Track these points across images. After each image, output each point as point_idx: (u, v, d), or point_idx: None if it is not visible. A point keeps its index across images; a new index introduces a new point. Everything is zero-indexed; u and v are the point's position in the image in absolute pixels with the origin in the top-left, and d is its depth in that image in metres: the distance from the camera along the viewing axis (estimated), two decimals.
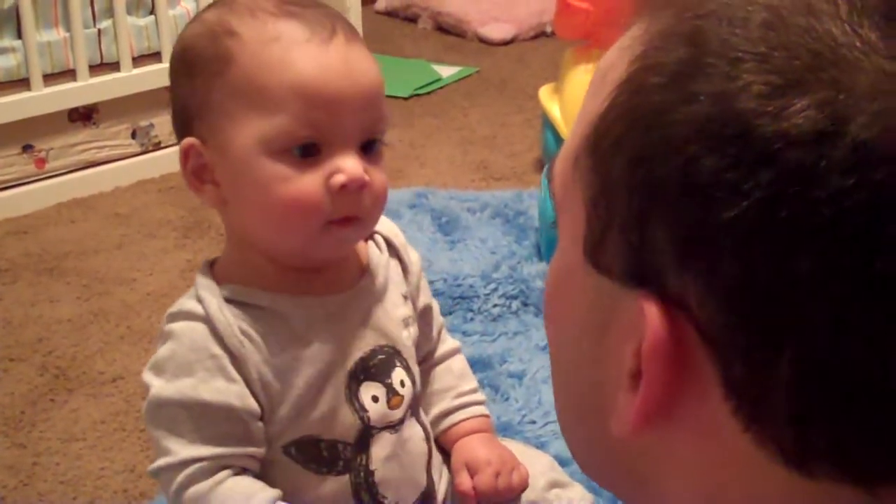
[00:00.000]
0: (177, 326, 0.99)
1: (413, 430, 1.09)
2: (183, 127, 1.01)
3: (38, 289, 2.12)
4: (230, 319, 0.98)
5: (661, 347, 0.44)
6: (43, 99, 2.44)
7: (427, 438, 1.11)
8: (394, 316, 1.08)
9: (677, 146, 0.42)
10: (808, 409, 0.42)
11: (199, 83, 0.98)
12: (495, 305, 1.96)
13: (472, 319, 1.94)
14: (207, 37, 0.98)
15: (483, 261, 2.06)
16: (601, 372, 0.49)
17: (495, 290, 1.98)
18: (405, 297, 1.11)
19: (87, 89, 2.51)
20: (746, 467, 0.45)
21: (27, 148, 2.47)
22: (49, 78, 2.45)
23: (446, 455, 1.16)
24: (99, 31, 2.52)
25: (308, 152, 0.95)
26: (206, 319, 0.98)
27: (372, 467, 1.04)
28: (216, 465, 0.97)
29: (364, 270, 1.07)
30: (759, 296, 0.41)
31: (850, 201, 0.39)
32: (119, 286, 2.13)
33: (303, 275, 1.02)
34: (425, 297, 1.16)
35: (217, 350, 0.97)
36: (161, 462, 0.98)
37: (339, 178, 0.95)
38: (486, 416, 1.19)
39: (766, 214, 0.40)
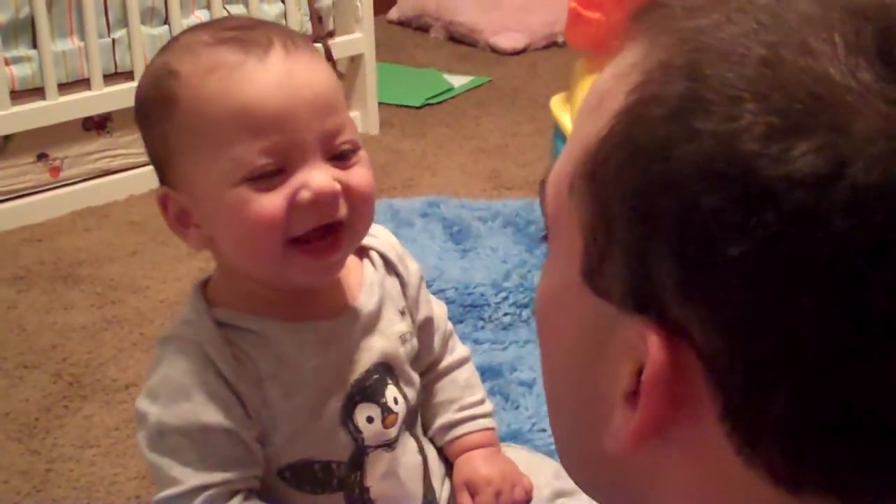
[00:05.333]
0: (169, 351, 0.98)
1: (407, 445, 1.07)
2: (159, 177, 1.00)
3: (52, 296, 2.13)
4: (222, 344, 0.97)
5: (663, 376, 0.45)
6: (58, 108, 2.46)
7: (421, 450, 1.10)
8: (390, 334, 1.06)
9: (679, 183, 0.43)
10: (802, 437, 0.43)
11: (157, 131, 0.97)
12: (506, 314, 1.97)
13: (482, 328, 1.95)
14: (153, 83, 0.97)
15: (494, 269, 2.07)
16: (596, 389, 0.50)
17: (506, 298, 1.99)
18: (402, 313, 1.09)
19: (101, 98, 2.53)
20: (737, 486, 0.46)
21: (42, 157, 2.49)
22: (64, 87, 2.47)
23: (449, 465, 1.15)
24: (113, 40, 2.54)
25: (271, 175, 0.92)
26: (199, 343, 0.96)
27: (367, 484, 1.04)
28: (226, 491, 0.96)
29: (357, 291, 1.05)
30: (760, 330, 0.42)
31: (850, 243, 0.40)
32: (133, 294, 2.14)
33: (293, 299, 1.00)
34: (425, 310, 1.13)
35: (211, 374, 0.96)
36: (169, 492, 0.96)
37: (305, 195, 0.92)
38: (491, 428, 1.16)
39: (767, 254, 0.41)
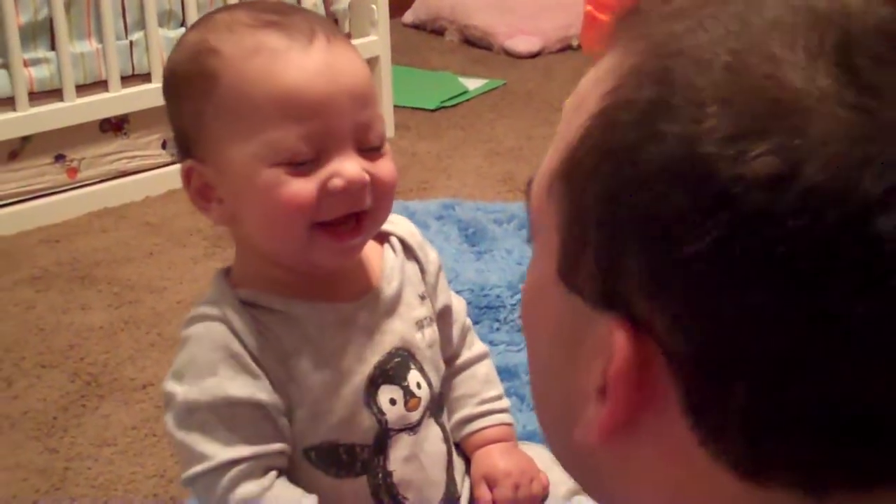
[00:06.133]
0: (194, 329, 0.99)
1: (431, 431, 1.08)
2: (183, 150, 1.01)
3: (69, 296, 2.14)
4: (247, 319, 0.98)
5: (628, 371, 0.46)
6: (75, 109, 2.47)
7: (445, 439, 1.11)
8: (408, 319, 1.07)
9: (644, 183, 0.44)
10: (762, 430, 0.44)
11: (189, 105, 0.98)
12: (521, 316, 1.97)
13: (498, 329, 1.95)
14: (190, 59, 0.98)
15: (509, 271, 2.08)
16: (572, 382, 0.51)
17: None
18: (422, 298, 1.10)
19: (118, 100, 2.54)
20: (703, 476, 0.47)
21: (59, 158, 2.51)
22: (82, 88, 2.49)
23: (468, 461, 1.16)
24: (131, 42, 2.56)
25: (305, 161, 0.95)
26: (224, 319, 0.98)
27: (390, 468, 1.05)
28: (258, 466, 0.97)
29: (378, 275, 1.07)
30: (717, 326, 0.43)
31: (802, 242, 0.41)
32: (149, 294, 2.15)
33: (315, 281, 1.02)
34: (444, 298, 1.15)
35: (238, 348, 0.97)
36: (199, 468, 0.96)
37: (337, 183, 0.94)
38: (509, 423, 1.18)
39: (723, 252, 0.42)
